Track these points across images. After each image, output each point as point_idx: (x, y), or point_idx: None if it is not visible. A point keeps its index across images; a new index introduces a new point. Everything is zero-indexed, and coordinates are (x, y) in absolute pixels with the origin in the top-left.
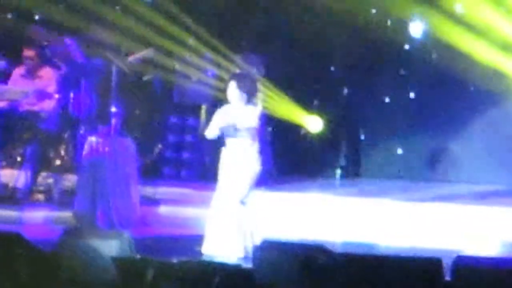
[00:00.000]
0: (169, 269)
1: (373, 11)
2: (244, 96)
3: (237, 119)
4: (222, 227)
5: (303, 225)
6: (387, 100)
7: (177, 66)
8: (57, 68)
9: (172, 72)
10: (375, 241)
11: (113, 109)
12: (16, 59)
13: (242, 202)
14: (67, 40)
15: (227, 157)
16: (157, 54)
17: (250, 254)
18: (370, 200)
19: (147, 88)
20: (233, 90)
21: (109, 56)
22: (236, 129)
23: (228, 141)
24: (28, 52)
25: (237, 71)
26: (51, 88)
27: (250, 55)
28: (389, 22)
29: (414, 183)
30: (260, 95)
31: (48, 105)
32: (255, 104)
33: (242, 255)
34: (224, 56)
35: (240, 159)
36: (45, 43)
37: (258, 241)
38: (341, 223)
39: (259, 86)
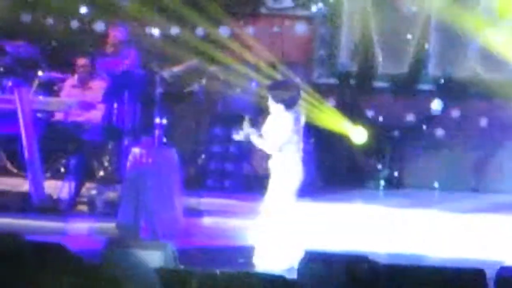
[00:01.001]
0: (213, 281)
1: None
2: (281, 106)
3: (275, 129)
4: (267, 238)
5: (346, 236)
6: (430, 110)
7: (221, 76)
8: (105, 79)
9: (216, 82)
10: (418, 252)
11: (157, 120)
12: (68, 71)
13: (285, 212)
14: (125, 51)
15: (271, 166)
16: (201, 64)
17: (295, 265)
18: (413, 211)
19: (191, 99)
20: (269, 101)
21: (153, 67)
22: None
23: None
24: (81, 62)
25: (274, 81)
26: (96, 99)
27: (295, 64)
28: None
29: (457, 194)
30: (302, 104)
31: (92, 116)
32: (295, 113)
33: (286, 266)
34: (269, 66)
35: (281, 168)
36: (97, 54)
37: (301, 252)
38: (385, 234)
39: (299, 95)
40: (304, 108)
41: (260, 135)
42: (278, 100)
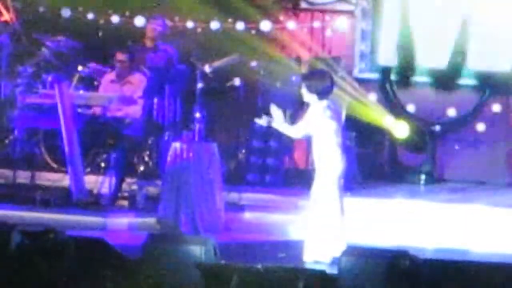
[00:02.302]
0: (253, 275)
1: None
2: (314, 96)
3: (311, 119)
4: (312, 232)
5: (387, 231)
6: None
7: (262, 71)
8: (144, 74)
9: (256, 77)
10: (460, 247)
11: (197, 115)
12: (108, 65)
13: (328, 205)
14: (165, 46)
15: (314, 156)
16: (241, 59)
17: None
18: (454, 205)
19: (231, 94)
20: (303, 91)
21: (193, 62)
22: (312, 129)
23: (313, 140)
24: (120, 57)
25: (308, 71)
26: (136, 94)
27: (335, 59)
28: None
29: (499, 188)
30: (341, 96)
31: (133, 111)
32: (330, 103)
33: (329, 260)
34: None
35: (318, 159)
36: (136, 49)
37: (344, 246)
38: (426, 229)
39: (332, 85)
40: (342, 100)
41: (285, 122)
42: (311, 89)
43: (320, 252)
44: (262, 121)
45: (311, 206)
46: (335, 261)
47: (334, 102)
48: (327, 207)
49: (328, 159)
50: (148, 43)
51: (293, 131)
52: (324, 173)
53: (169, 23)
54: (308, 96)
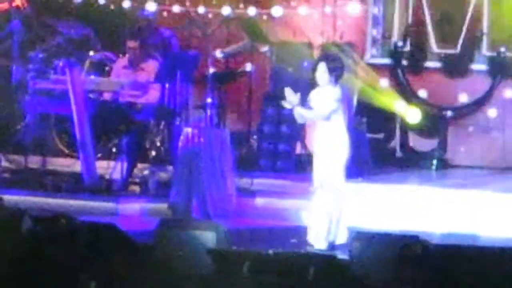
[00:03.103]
0: (265, 261)
1: None
2: (333, 78)
3: (321, 100)
4: (318, 216)
5: (399, 217)
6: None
7: (273, 57)
8: (157, 60)
9: (268, 62)
10: (471, 232)
11: (209, 100)
12: (119, 51)
13: (331, 188)
14: (166, 31)
15: (316, 141)
16: (252, 45)
17: (336, 243)
18: (466, 191)
19: (243, 79)
20: (322, 72)
21: (205, 47)
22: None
23: (318, 124)
24: (132, 44)
25: (327, 52)
26: (148, 79)
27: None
28: None
29: (510, 174)
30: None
31: (144, 96)
32: (342, 86)
33: (327, 244)
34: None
35: (328, 142)
36: (148, 35)
37: (343, 230)
38: (437, 214)
39: (343, 67)
40: (354, 85)
41: (306, 106)
42: (332, 72)
43: (323, 239)
44: (288, 104)
45: (317, 191)
46: (339, 248)
47: (344, 87)
48: (334, 193)
49: (338, 144)
50: (160, 29)
51: (314, 116)
52: (333, 158)
53: (180, 8)
54: (326, 79)
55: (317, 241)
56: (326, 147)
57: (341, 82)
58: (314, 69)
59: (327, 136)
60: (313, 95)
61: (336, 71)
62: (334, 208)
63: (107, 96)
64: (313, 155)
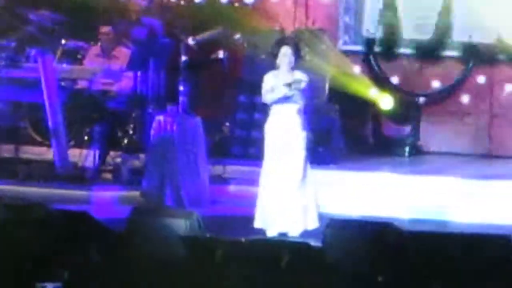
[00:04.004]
0: (238, 248)
1: None
2: (294, 61)
3: (289, 84)
4: (279, 201)
5: (372, 204)
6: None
7: (246, 44)
8: (128, 47)
9: (240, 49)
10: (444, 219)
11: (181, 88)
12: (91, 39)
13: (297, 173)
14: (147, 20)
15: (277, 124)
16: (225, 32)
17: (309, 229)
18: (438, 177)
19: (215, 66)
20: (287, 55)
21: (177, 35)
22: (287, 94)
23: (276, 108)
24: (104, 30)
25: (287, 36)
26: (120, 67)
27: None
28: None
29: (483, 160)
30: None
31: (117, 84)
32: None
33: (300, 230)
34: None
35: (291, 125)
36: (121, 22)
37: (314, 216)
38: (410, 201)
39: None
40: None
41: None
42: (296, 54)
43: (286, 224)
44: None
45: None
46: (311, 234)
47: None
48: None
49: (301, 130)
50: (132, 17)
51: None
52: (297, 145)
53: None
54: (290, 61)
55: (290, 228)
56: (287, 132)
57: (313, 69)
58: (276, 53)
59: (288, 122)
60: (278, 79)
61: (299, 55)
62: (304, 194)
63: (79, 84)
64: (277, 141)
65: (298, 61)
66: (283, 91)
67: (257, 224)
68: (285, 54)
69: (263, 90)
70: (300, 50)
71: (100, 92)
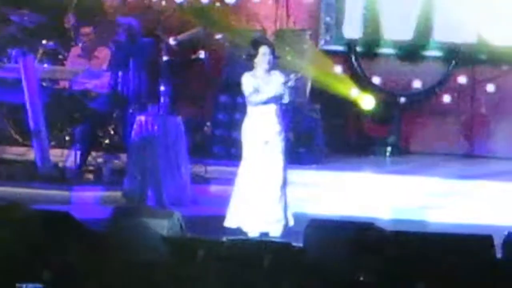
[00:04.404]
0: (219, 248)
1: None
2: (272, 60)
3: (267, 85)
4: (255, 200)
5: (353, 204)
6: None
7: (227, 44)
8: (109, 47)
9: (221, 49)
10: (425, 219)
11: (162, 88)
12: (72, 40)
13: (278, 174)
14: (127, 20)
15: (256, 124)
16: (206, 32)
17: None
18: (420, 177)
19: (196, 66)
20: (266, 54)
21: (158, 35)
22: (266, 96)
23: (255, 109)
24: (85, 30)
25: (262, 36)
26: (102, 67)
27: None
28: None
29: (465, 160)
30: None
31: (98, 84)
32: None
33: (281, 229)
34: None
35: (269, 125)
36: (102, 22)
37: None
38: (391, 201)
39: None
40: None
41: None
42: (274, 55)
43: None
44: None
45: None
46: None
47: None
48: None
49: (280, 130)
50: (113, 17)
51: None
52: (276, 145)
53: None
54: (268, 62)
55: (271, 228)
56: (270, 133)
57: (294, 69)
58: (253, 54)
59: (267, 122)
60: (258, 79)
61: (275, 54)
62: (284, 194)
63: (61, 84)
64: (256, 142)
65: (275, 61)
66: (273, 91)
67: (228, 223)
68: (264, 53)
69: (246, 93)
70: (275, 50)
71: (81, 93)
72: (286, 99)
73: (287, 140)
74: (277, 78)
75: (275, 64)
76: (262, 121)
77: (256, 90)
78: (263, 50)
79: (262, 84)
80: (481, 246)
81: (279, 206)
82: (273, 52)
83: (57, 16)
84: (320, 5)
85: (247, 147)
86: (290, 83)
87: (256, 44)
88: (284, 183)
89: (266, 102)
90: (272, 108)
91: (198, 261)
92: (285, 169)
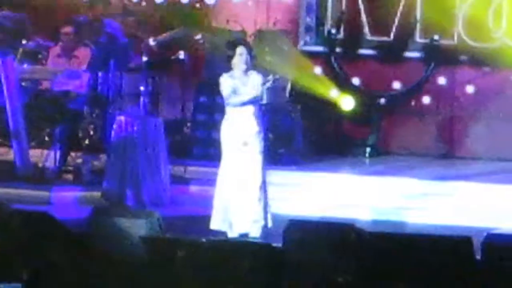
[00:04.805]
0: (198, 249)
1: None
2: (250, 60)
3: (245, 86)
4: (234, 201)
5: (332, 205)
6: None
7: (207, 45)
8: (89, 47)
9: (201, 51)
10: (404, 220)
11: (142, 89)
12: (53, 39)
13: (257, 174)
14: (107, 20)
15: (235, 125)
16: (186, 33)
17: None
18: (398, 179)
19: (176, 67)
20: (243, 54)
21: (138, 35)
22: (244, 97)
23: (233, 110)
24: (66, 30)
25: (240, 36)
26: (82, 68)
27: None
28: None
29: (443, 161)
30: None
31: (78, 85)
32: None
33: (261, 230)
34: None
35: (248, 126)
36: (83, 22)
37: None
38: (371, 202)
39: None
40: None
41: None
42: (251, 55)
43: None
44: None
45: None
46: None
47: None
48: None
49: (259, 130)
50: (93, 17)
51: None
52: (256, 145)
53: None
54: (246, 62)
55: (251, 229)
56: (250, 134)
57: (274, 69)
58: (231, 54)
59: (246, 123)
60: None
61: (253, 55)
62: (264, 194)
63: (40, 84)
64: (235, 143)
65: (253, 61)
66: (251, 92)
67: (214, 225)
68: (241, 53)
69: (225, 94)
70: (252, 50)
71: (61, 93)
72: (264, 100)
73: (266, 141)
74: (255, 79)
75: (253, 64)
76: (241, 122)
77: (234, 91)
78: (240, 50)
79: (240, 85)
80: (460, 247)
81: (258, 206)
82: (250, 52)
83: (37, 15)
84: (301, 6)
85: (226, 147)
86: (268, 84)
87: (232, 45)
88: (264, 184)
89: (244, 103)
90: (251, 109)
91: (177, 261)
92: (264, 169)
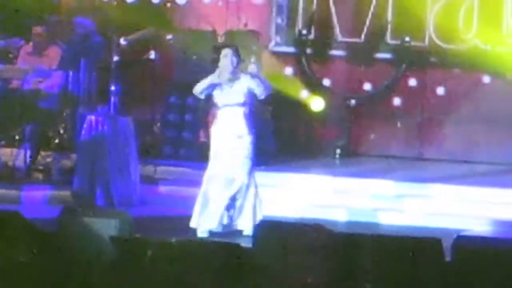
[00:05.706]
0: (168, 249)
1: None
2: (236, 62)
3: (231, 87)
4: (221, 203)
5: (302, 206)
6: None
7: (177, 45)
8: (60, 46)
9: (172, 51)
10: (375, 221)
11: (113, 88)
12: (24, 37)
13: (246, 175)
14: (82, 20)
15: (225, 127)
16: (157, 32)
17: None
18: (368, 180)
19: (147, 67)
20: (227, 56)
21: (109, 34)
22: (229, 98)
23: (224, 111)
24: (37, 29)
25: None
26: (52, 66)
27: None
28: None
29: (414, 162)
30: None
31: (48, 84)
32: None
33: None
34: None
35: (234, 128)
36: (54, 22)
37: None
38: (341, 203)
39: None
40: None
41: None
42: (238, 57)
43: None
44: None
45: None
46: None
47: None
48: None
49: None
50: (64, 16)
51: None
52: (245, 147)
53: None
54: (232, 63)
55: (244, 226)
56: (231, 136)
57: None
58: (216, 58)
59: (236, 125)
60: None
61: (240, 57)
62: (254, 193)
63: (10, 83)
64: (225, 144)
65: (240, 64)
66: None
67: (193, 223)
68: (226, 55)
69: (214, 96)
70: (239, 53)
71: (31, 92)
72: (261, 94)
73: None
74: (243, 80)
75: (239, 65)
76: (230, 123)
77: (222, 92)
78: (225, 52)
79: (226, 86)
80: (431, 248)
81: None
82: (236, 54)
83: (8, 14)
84: (272, 6)
85: (215, 149)
86: (255, 82)
87: (217, 48)
88: (254, 183)
89: (233, 104)
90: (240, 111)
91: (147, 261)
92: (253, 167)
